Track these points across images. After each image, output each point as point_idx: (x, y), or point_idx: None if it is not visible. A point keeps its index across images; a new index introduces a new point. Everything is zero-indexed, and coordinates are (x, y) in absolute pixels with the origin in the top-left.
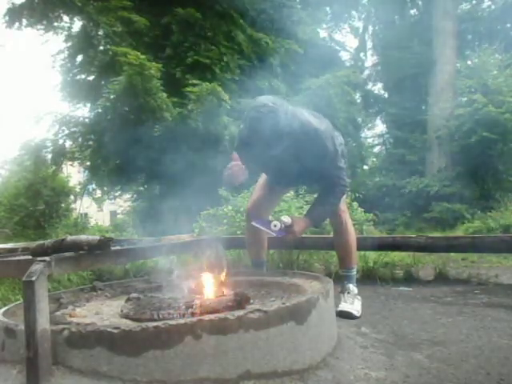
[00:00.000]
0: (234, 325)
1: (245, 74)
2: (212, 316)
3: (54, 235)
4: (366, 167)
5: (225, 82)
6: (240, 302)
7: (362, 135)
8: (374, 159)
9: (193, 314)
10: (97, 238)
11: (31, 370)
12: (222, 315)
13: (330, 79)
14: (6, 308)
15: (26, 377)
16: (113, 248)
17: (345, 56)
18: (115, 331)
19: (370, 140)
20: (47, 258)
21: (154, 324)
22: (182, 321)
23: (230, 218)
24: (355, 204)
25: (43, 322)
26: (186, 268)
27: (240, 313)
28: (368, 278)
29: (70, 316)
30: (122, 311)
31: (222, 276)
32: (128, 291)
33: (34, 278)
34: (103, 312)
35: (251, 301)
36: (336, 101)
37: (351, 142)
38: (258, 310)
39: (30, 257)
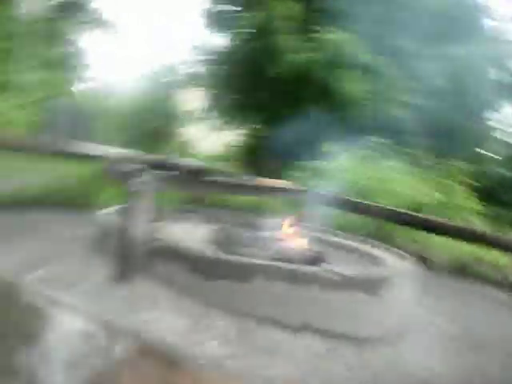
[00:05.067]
0: (307, 279)
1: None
2: (287, 264)
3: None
4: (494, 155)
5: (357, 35)
6: (317, 258)
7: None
8: None
9: (271, 258)
10: (197, 164)
11: (120, 268)
12: (297, 266)
13: (471, 49)
14: (109, 208)
15: (115, 272)
16: (209, 178)
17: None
18: (195, 254)
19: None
20: (151, 173)
21: (231, 257)
22: (257, 261)
23: (330, 174)
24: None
25: (136, 231)
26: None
27: (315, 269)
28: (461, 272)
29: (160, 233)
30: (208, 239)
31: (307, 230)
32: (218, 220)
33: (137, 189)
34: (191, 236)
35: (328, 261)
36: (472, 76)
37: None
38: (334, 272)
39: (137, 168)
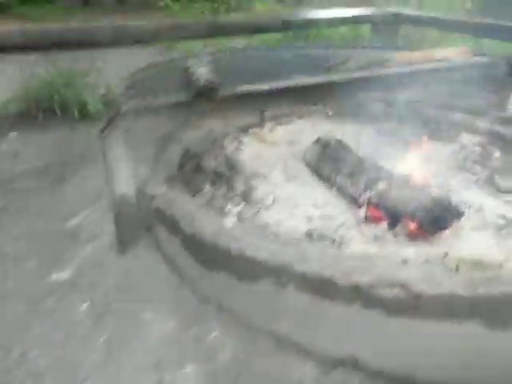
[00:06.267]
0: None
1: None
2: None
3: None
4: None
5: None
6: (452, 214)
7: None
8: None
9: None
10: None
11: (117, 235)
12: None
13: None
14: None
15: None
16: (224, 94)
17: None
18: (196, 231)
19: None
20: (124, 109)
21: (249, 247)
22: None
23: None
24: None
25: (122, 187)
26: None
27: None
28: None
29: (259, 138)
30: (305, 155)
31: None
32: (356, 113)
33: (104, 135)
34: (298, 141)
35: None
36: None
37: None
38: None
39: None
